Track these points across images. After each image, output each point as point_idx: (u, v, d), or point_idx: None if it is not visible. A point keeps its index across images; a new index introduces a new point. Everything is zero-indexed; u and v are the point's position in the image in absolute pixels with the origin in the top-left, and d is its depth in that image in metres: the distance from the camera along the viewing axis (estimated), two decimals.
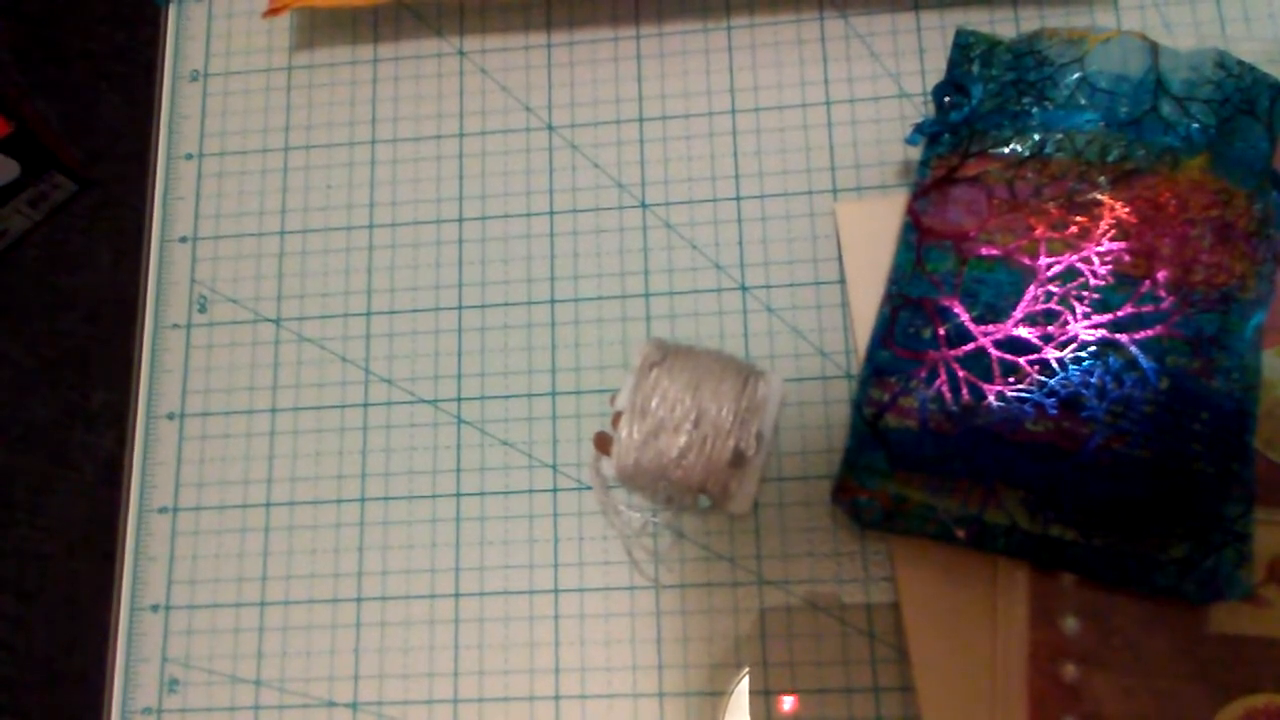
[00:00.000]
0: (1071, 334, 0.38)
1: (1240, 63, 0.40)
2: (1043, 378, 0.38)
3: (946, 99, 0.42)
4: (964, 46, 0.42)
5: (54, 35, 1.28)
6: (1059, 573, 0.38)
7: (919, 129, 0.42)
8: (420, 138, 0.49)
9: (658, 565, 0.42)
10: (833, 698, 0.40)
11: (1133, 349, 0.37)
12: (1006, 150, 0.40)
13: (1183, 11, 0.45)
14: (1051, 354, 0.38)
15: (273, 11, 0.48)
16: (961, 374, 0.38)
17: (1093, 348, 0.38)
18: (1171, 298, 0.38)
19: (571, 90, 0.48)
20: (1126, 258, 0.38)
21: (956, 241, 0.40)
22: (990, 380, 0.38)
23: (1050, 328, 0.38)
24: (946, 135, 0.41)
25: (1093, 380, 0.37)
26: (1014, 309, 0.39)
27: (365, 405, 0.46)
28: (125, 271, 1.20)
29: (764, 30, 0.48)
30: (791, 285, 0.45)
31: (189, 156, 0.50)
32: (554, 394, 0.45)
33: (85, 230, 1.22)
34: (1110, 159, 0.39)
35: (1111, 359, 0.37)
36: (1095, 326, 0.38)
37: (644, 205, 0.47)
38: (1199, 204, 0.38)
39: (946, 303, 0.39)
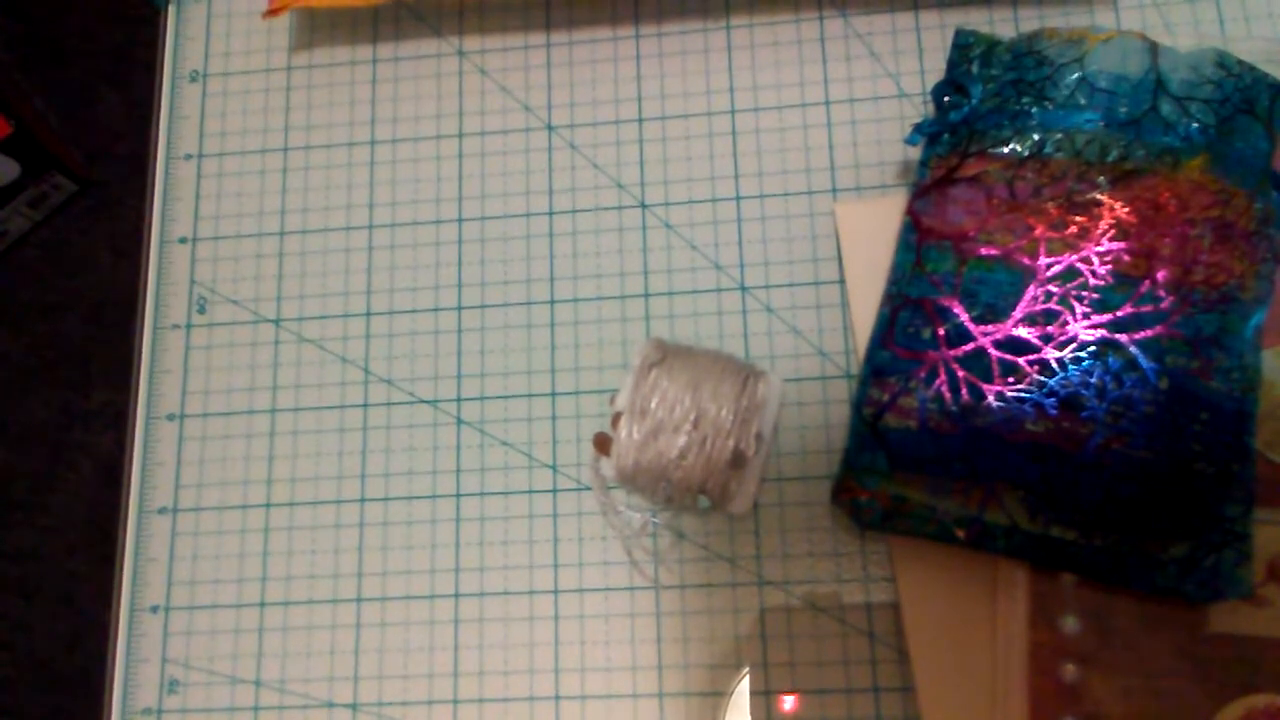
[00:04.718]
0: (1071, 334, 0.38)
1: (1240, 62, 0.39)
2: (1042, 378, 0.38)
3: (946, 99, 0.42)
4: (963, 46, 0.42)
5: (54, 35, 1.28)
6: (1059, 573, 0.38)
7: (918, 129, 0.42)
8: (419, 138, 0.49)
9: (657, 566, 0.42)
10: (833, 698, 0.40)
11: (1132, 349, 0.37)
12: (1006, 150, 0.40)
13: (1183, 11, 0.45)
14: (1051, 354, 0.38)
15: (272, 12, 0.48)
16: (961, 374, 0.38)
17: (1092, 348, 0.38)
18: (1171, 298, 0.38)
19: (571, 90, 0.48)
20: (1126, 258, 0.38)
21: (956, 241, 0.40)
22: (990, 380, 0.38)
23: (1050, 328, 0.38)
24: (946, 135, 0.41)
25: (1092, 380, 0.37)
26: (1014, 309, 0.39)
27: (365, 406, 0.46)
28: (125, 272, 1.20)
29: (763, 30, 0.48)
30: (791, 285, 0.45)
31: (188, 157, 0.50)
32: (553, 394, 0.45)
33: (85, 230, 1.22)
34: (1110, 159, 0.39)
35: (1111, 359, 0.37)
36: (1095, 326, 0.38)
37: (643, 205, 0.46)
38: (1199, 204, 0.38)
39: (946, 303, 0.39)
